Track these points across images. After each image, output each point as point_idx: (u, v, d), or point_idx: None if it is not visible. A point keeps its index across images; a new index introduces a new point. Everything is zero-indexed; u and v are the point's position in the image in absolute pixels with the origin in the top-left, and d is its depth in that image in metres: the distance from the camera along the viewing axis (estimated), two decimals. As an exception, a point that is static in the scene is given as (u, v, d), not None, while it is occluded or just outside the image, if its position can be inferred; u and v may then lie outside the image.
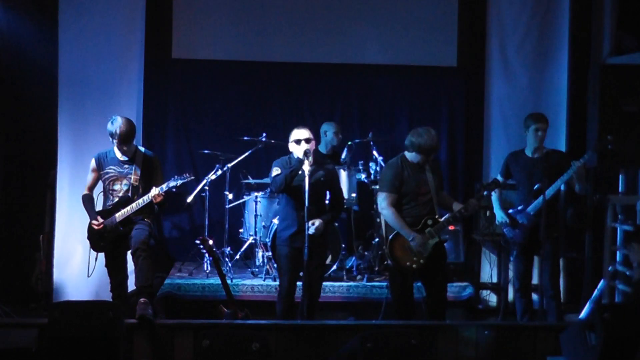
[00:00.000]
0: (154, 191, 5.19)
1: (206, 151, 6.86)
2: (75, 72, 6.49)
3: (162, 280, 6.46)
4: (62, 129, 6.43)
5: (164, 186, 5.25)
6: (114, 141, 5.26)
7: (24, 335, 4.14)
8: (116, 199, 5.32)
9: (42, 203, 6.59)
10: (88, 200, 5.41)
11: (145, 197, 5.23)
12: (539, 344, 4.52)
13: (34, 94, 6.65)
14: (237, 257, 6.76)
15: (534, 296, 5.86)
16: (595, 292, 6.13)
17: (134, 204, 5.26)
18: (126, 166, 5.34)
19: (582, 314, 5.91)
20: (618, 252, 6.16)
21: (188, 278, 6.52)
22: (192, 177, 5.43)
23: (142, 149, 5.49)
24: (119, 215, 5.27)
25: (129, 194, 5.31)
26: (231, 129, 7.32)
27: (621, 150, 5.93)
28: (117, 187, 5.34)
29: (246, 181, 6.94)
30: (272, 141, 6.74)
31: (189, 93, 7.58)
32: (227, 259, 6.58)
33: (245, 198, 6.87)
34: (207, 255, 6.38)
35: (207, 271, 6.56)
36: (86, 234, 5.42)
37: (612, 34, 6.67)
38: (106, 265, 5.42)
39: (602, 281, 6.15)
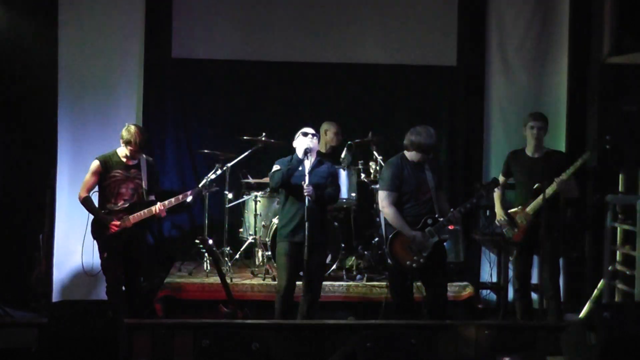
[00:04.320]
0: (160, 206, 5.42)
1: (206, 151, 6.86)
2: (75, 72, 6.50)
3: (162, 280, 6.47)
4: (62, 129, 6.44)
5: (189, 193, 5.58)
6: (128, 147, 5.36)
7: (24, 335, 4.14)
8: (121, 202, 5.41)
9: (42, 203, 6.59)
10: (91, 202, 5.47)
11: (146, 211, 5.41)
12: (539, 343, 4.51)
13: (34, 93, 6.66)
14: (237, 256, 6.77)
15: (534, 296, 5.86)
16: (595, 291, 6.13)
17: (143, 211, 5.40)
18: (132, 170, 5.44)
19: (582, 314, 5.92)
20: (618, 252, 6.16)
21: (188, 278, 6.52)
22: (218, 188, 5.98)
23: (143, 155, 5.58)
24: (134, 217, 5.40)
25: (142, 197, 5.43)
26: (231, 128, 7.32)
27: (621, 150, 5.94)
28: (123, 190, 5.42)
29: (246, 181, 6.95)
30: (272, 141, 6.74)
31: (189, 93, 7.58)
32: (226, 259, 6.58)
33: (245, 198, 6.87)
34: (206, 254, 6.39)
35: (207, 271, 6.56)
36: (88, 234, 5.48)
37: (612, 34, 6.66)
38: (106, 266, 5.44)
39: (602, 281, 6.15)
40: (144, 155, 5.55)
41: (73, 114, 6.47)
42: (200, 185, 5.96)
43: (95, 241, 5.49)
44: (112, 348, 3.87)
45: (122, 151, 5.43)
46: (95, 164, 5.44)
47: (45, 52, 6.52)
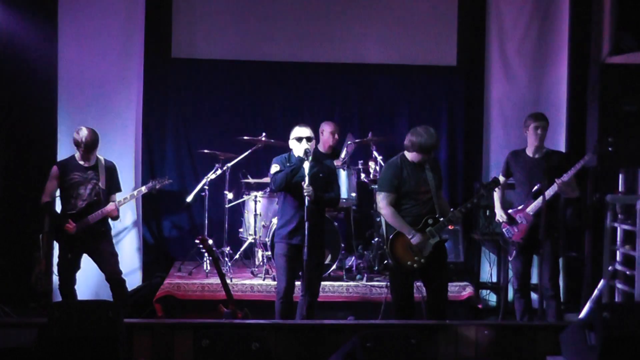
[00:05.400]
0: (111, 206, 5.62)
1: (206, 150, 6.86)
2: (74, 73, 6.51)
3: (162, 280, 6.47)
4: (62, 129, 6.46)
5: (144, 188, 5.81)
6: (79, 150, 5.54)
7: (24, 335, 4.14)
8: (80, 203, 5.60)
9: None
10: (51, 207, 5.73)
11: (100, 211, 5.60)
12: (539, 343, 4.51)
13: (34, 94, 6.66)
14: (237, 256, 6.77)
15: (534, 296, 5.86)
16: (595, 291, 6.13)
17: (98, 212, 5.59)
18: (89, 172, 5.62)
19: (582, 314, 5.91)
20: (618, 252, 6.16)
21: (188, 278, 6.52)
22: (171, 180, 6.02)
23: (101, 157, 5.72)
24: (92, 217, 5.58)
25: (101, 197, 5.61)
26: (231, 128, 7.32)
27: (621, 150, 5.93)
28: (82, 191, 5.61)
29: (246, 180, 6.94)
30: (272, 141, 6.74)
31: (189, 93, 7.57)
32: (226, 259, 6.58)
33: (245, 197, 6.87)
34: (206, 254, 6.39)
35: (207, 271, 6.56)
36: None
37: (612, 34, 6.66)
38: (63, 265, 5.66)
39: (602, 281, 6.15)
40: (103, 158, 5.71)
41: (73, 114, 6.48)
42: (153, 179, 6.04)
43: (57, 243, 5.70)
44: (112, 348, 3.87)
45: (78, 154, 5.62)
46: (54, 169, 5.67)
47: (45, 52, 6.52)
